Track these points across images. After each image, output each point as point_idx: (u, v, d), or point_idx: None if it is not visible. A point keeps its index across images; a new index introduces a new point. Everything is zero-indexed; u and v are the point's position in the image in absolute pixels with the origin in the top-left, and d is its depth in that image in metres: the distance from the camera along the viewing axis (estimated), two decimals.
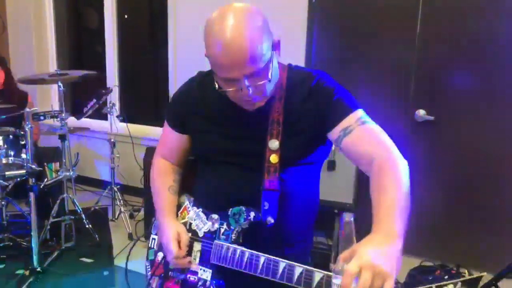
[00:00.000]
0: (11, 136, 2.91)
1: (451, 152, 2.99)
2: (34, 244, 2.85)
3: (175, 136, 1.36)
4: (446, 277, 2.05)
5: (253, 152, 1.19)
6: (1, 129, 2.89)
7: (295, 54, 3.27)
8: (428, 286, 0.87)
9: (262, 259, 1.10)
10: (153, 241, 1.41)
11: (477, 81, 2.86)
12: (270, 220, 1.16)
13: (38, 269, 2.85)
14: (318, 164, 1.30)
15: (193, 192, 1.36)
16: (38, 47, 4.56)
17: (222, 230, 1.21)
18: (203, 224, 1.25)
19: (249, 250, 1.14)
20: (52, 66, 4.60)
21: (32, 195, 2.79)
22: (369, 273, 0.81)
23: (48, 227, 3.21)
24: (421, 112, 2.96)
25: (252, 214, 1.17)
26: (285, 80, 1.22)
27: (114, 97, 4.14)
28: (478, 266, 2.28)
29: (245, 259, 1.13)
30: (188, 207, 1.31)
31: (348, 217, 0.91)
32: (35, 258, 2.87)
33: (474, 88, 2.87)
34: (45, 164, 3.48)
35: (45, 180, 3.18)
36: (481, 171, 2.91)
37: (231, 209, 1.20)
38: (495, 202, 2.89)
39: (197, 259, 1.24)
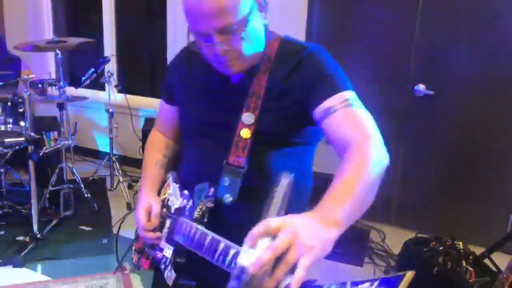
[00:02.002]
0: (9, 103, 2.90)
1: (449, 126, 3.00)
2: (34, 211, 2.88)
3: (168, 109, 1.31)
4: (441, 248, 2.09)
5: (226, 125, 1.10)
6: None
7: (295, 26, 3.23)
8: (342, 283, 0.72)
9: (208, 237, 1.00)
10: None
11: (477, 56, 2.85)
12: (228, 197, 1.06)
13: (38, 235, 2.89)
14: (308, 147, 1.18)
15: (178, 168, 1.31)
16: (33, 14, 4.47)
17: (187, 207, 1.14)
18: (177, 200, 1.20)
19: (204, 229, 1.04)
20: (47, 34, 4.52)
21: (31, 163, 2.79)
22: (287, 238, 0.72)
23: (47, 195, 3.23)
24: (421, 87, 2.96)
25: (212, 190, 1.08)
26: (275, 52, 1.11)
27: (111, 67, 4.10)
28: (472, 239, 2.33)
29: (196, 237, 1.04)
30: (170, 183, 1.26)
31: (286, 177, 0.81)
32: (35, 225, 2.91)
33: (474, 63, 2.86)
34: (43, 133, 3.47)
35: (44, 148, 3.18)
36: (478, 146, 2.94)
37: (197, 185, 1.12)
38: (490, 177, 2.94)
39: (165, 236, 1.19)
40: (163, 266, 1.17)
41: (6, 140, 2.73)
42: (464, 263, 1.96)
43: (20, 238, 2.95)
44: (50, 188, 3.22)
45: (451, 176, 3.04)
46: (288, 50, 1.11)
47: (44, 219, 3.06)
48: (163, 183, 1.29)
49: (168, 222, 1.19)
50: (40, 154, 2.86)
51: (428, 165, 3.09)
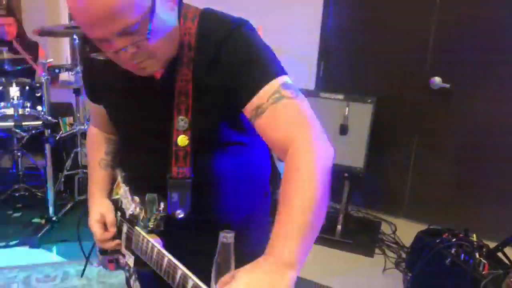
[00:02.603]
0: (27, 88, 2.94)
1: (464, 120, 2.98)
2: (50, 194, 2.93)
3: (96, 105, 1.17)
4: (454, 240, 2.09)
5: (159, 133, 0.98)
6: (18, 80, 2.91)
7: (311, 19, 3.23)
8: None
9: (165, 260, 0.90)
10: None
11: (495, 50, 2.82)
12: (179, 213, 0.99)
13: (54, 218, 2.94)
14: (254, 138, 1.06)
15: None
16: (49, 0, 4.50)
17: (141, 217, 1.04)
18: (129, 205, 1.10)
19: (159, 246, 0.96)
20: (64, 19, 4.55)
21: (48, 147, 2.84)
22: None
23: (62, 179, 3.28)
24: (437, 80, 2.94)
25: (162, 205, 1.00)
26: (194, 36, 0.94)
27: None
28: (485, 234, 2.32)
29: (154, 255, 0.95)
30: (120, 183, 1.17)
31: (227, 238, 0.77)
32: (50, 208, 2.96)
33: (491, 57, 2.83)
34: (59, 118, 3.51)
35: (60, 133, 3.22)
36: (494, 140, 2.91)
37: (147, 194, 1.02)
38: (505, 172, 2.92)
39: (124, 243, 1.11)
40: (127, 274, 1.12)
41: (24, 123, 2.77)
42: (477, 255, 1.96)
43: (36, 220, 3.01)
44: (65, 172, 3.26)
45: (465, 170, 3.03)
46: (207, 33, 0.94)
47: (59, 203, 3.12)
48: (113, 181, 1.20)
49: (125, 228, 1.11)
50: (57, 138, 2.90)
51: (442, 159, 3.08)
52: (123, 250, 1.12)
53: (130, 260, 1.08)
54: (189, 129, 0.95)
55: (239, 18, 0.96)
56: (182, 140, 0.96)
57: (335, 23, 3.25)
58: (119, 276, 2.21)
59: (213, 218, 1.08)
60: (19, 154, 3.31)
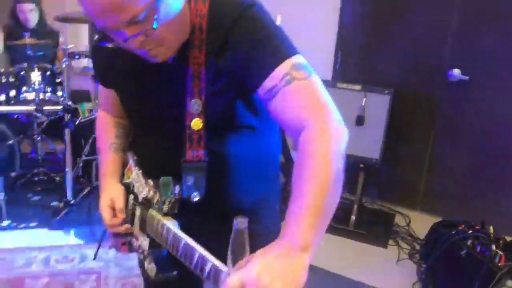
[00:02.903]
0: (48, 73, 2.99)
1: (482, 113, 2.95)
2: (69, 178, 2.99)
3: (105, 89, 1.17)
4: (470, 231, 2.08)
5: (172, 117, 0.98)
6: (39, 65, 2.96)
7: (330, 7, 3.22)
8: None
9: (182, 242, 0.91)
10: None
11: None
12: (195, 196, 1.00)
13: (72, 201, 3.00)
14: (267, 122, 1.06)
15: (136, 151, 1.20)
16: None
17: (155, 200, 1.04)
18: (142, 188, 1.10)
19: (175, 228, 0.96)
20: None
21: (67, 132, 2.89)
22: None
23: (80, 164, 3.33)
24: (456, 71, 2.91)
25: (177, 188, 1.00)
26: (206, 18, 0.93)
27: None
28: (501, 228, 2.30)
29: (169, 239, 0.96)
30: (132, 167, 1.16)
31: (242, 223, 0.77)
32: (69, 192, 3.02)
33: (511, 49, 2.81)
34: (78, 104, 3.57)
35: (79, 118, 3.27)
36: (510, 134, 2.89)
37: (161, 178, 1.02)
38: None
39: (138, 226, 1.11)
40: (141, 257, 1.12)
41: (45, 107, 2.83)
42: (494, 247, 1.95)
43: (55, 203, 3.07)
44: (83, 157, 3.31)
45: (483, 163, 3.00)
46: (219, 14, 0.93)
47: (77, 187, 3.17)
48: (124, 166, 1.20)
49: (138, 211, 1.11)
50: (76, 123, 2.95)
51: (459, 152, 3.06)
52: (137, 233, 1.12)
53: (144, 242, 1.09)
54: (202, 112, 0.95)
55: None
56: (196, 123, 0.95)
57: (354, 13, 3.23)
58: (136, 259, 2.26)
59: (226, 201, 1.09)
60: (38, 139, 3.37)
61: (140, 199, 1.10)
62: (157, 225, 1.01)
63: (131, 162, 1.17)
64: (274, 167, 1.20)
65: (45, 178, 3.36)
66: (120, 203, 1.13)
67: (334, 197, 0.79)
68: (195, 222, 1.01)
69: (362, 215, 3.06)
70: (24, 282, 2.28)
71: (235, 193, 1.10)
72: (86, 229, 2.77)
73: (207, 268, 0.81)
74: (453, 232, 2.15)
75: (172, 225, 0.99)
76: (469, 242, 2.06)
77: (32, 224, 2.82)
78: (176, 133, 0.98)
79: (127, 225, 1.13)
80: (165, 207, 1.01)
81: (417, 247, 2.76)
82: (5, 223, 2.78)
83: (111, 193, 1.15)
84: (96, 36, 0.93)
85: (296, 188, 0.79)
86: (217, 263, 0.81)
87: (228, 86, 0.94)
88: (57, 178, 3.31)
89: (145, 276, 1.26)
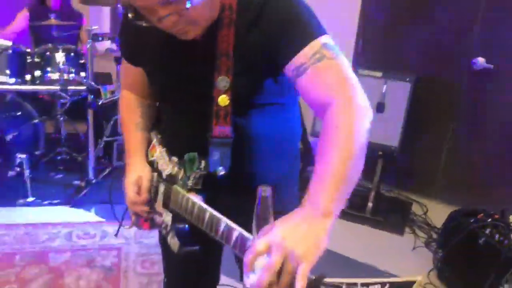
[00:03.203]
0: (72, 54, 3.04)
1: (506, 103, 2.90)
2: (91, 158, 3.06)
3: (132, 68, 1.18)
4: (489, 220, 2.07)
5: (200, 94, 1.01)
6: (64, 46, 3.02)
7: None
8: (352, 282, 0.72)
9: (207, 214, 0.96)
10: None
11: None
12: (220, 171, 1.02)
13: (93, 181, 3.07)
14: (290, 100, 1.11)
15: (161, 129, 1.23)
16: None
17: (180, 176, 1.08)
18: (166, 165, 1.13)
19: (200, 201, 1.01)
20: None
21: (90, 112, 2.96)
22: (278, 255, 0.72)
23: (102, 145, 3.40)
24: (480, 60, 2.86)
25: (203, 163, 1.04)
26: None
27: None
28: None
29: (194, 211, 1.01)
30: (156, 145, 1.19)
31: (265, 191, 0.80)
32: (90, 171, 3.09)
33: None
34: (100, 85, 3.62)
35: (102, 99, 3.33)
36: None
37: (187, 154, 1.06)
38: None
39: (161, 201, 1.15)
40: (164, 232, 1.15)
41: (69, 87, 2.89)
42: None
43: (77, 182, 3.15)
44: (105, 138, 3.38)
45: (502, 153, 2.96)
46: None
47: (98, 167, 3.25)
48: (148, 144, 1.23)
49: (162, 188, 1.14)
50: (99, 103, 3.00)
51: (479, 141, 3.02)
52: (160, 209, 1.15)
53: (167, 218, 1.12)
54: (229, 89, 0.98)
55: None
56: (223, 100, 0.98)
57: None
58: (156, 237, 2.31)
59: (250, 176, 1.11)
60: (61, 119, 3.45)
61: (164, 176, 1.14)
62: (182, 199, 1.05)
63: (154, 141, 1.20)
64: (295, 145, 1.22)
65: (67, 157, 3.44)
66: (146, 183, 1.16)
67: (356, 168, 0.82)
68: (219, 198, 1.04)
69: (379, 202, 3.06)
70: (48, 255, 2.36)
71: (258, 168, 1.12)
72: (106, 207, 2.84)
73: (234, 237, 0.85)
74: (471, 220, 2.14)
75: (197, 198, 1.03)
76: (487, 231, 2.05)
77: (55, 201, 2.91)
78: (203, 110, 1.00)
79: (147, 208, 1.17)
80: (190, 182, 1.05)
81: (434, 236, 2.75)
82: (30, 199, 2.87)
83: (139, 171, 1.18)
84: (129, 15, 0.95)
85: (320, 158, 0.83)
86: (244, 232, 0.84)
87: (255, 64, 0.97)
88: (79, 158, 3.39)
89: (166, 254, 1.32)
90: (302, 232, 0.74)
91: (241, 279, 0.86)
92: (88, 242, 2.51)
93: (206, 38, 0.98)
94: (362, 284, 0.72)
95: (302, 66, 0.91)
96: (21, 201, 2.85)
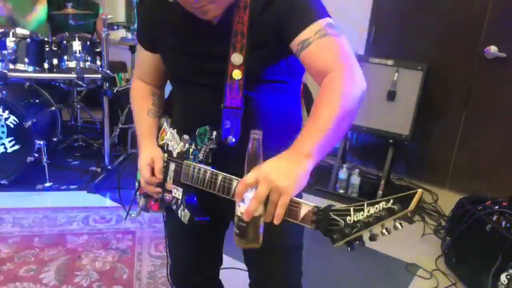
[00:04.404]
0: (88, 43, 3.10)
1: None
2: (106, 145, 3.13)
3: (148, 56, 1.26)
4: (496, 207, 2.09)
5: (216, 69, 1.10)
6: (80, 35, 3.08)
7: None
8: (359, 203, 0.83)
9: (220, 177, 1.06)
10: None
11: None
12: (231, 139, 1.11)
13: (109, 167, 3.15)
14: (295, 79, 1.21)
15: (172, 113, 1.31)
16: None
17: (191, 150, 1.17)
18: (177, 145, 1.22)
19: (211, 169, 1.10)
20: None
21: (105, 99, 3.02)
22: (264, 186, 0.86)
23: (117, 132, 3.48)
24: (493, 49, 2.85)
25: (215, 133, 1.12)
26: None
27: None
28: None
29: (207, 178, 1.10)
30: (166, 129, 1.27)
31: (257, 134, 0.91)
32: (106, 158, 3.17)
33: None
34: (115, 73, 3.69)
35: (117, 87, 3.40)
36: None
37: (198, 129, 1.15)
38: None
39: (172, 179, 1.22)
40: (174, 207, 1.21)
41: (85, 76, 2.96)
42: None
43: (93, 168, 3.24)
44: (120, 126, 3.46)
45: None
46: None
47: (113, 154, 3.33)
48: (158, 130, 1.29)
49: (172, 166, 1.22)
50: (114, 91, 3.07)
51: (491, 131, 3.02)
52: (170, 187, 1.22)
53: (178, 193, 1.20)
54: (242, 64, 1.08)
55: None
56: (236, 73, 1.08)
57: None
58: None
59: None
60: (78, 107, 3.53)
61: (174, 154, 1.22)
62: (194, 169, 1.14)
63: (165, 125, 1.27)
64: (298, 120, 1.30)
65: (84, 144, 3.54)
66: (159, 164, 1.22)
67: (341, 126, 0.94)
68: (228, 169, 1.09)
69: (388, 190, 3.08)
70: (65, 238, 2.45)
71: (265, 140, 1.18)
72: (121, 193, 2.92)
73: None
74: (479, 207, 2.16)
75: (207, 167, 1.12)
76: (494, 218, 2.07)
77: (72, 187, 3.00)
78: (216, 85, 1.10)
79: (159, 189, 1.23)
80: (201, 155, 1.15)
81: (443, 223, 2.77)
82: (48, 184, 2.96)
83: (152, 154, 1.23)
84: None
85: (311, 115, 0.95)
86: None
87: (266, 42, 1.07)
88: (95, 145, 3.48)
89: (172, 236, 1.40)
90: (285, 169, 0.88)
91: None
92: (104, 226, 2.60)
93: (223, 19, 1.08)
94: (368, 204, 0.82)
95: (307, 40, 1.02)
96: (39, 186, 2.95)
